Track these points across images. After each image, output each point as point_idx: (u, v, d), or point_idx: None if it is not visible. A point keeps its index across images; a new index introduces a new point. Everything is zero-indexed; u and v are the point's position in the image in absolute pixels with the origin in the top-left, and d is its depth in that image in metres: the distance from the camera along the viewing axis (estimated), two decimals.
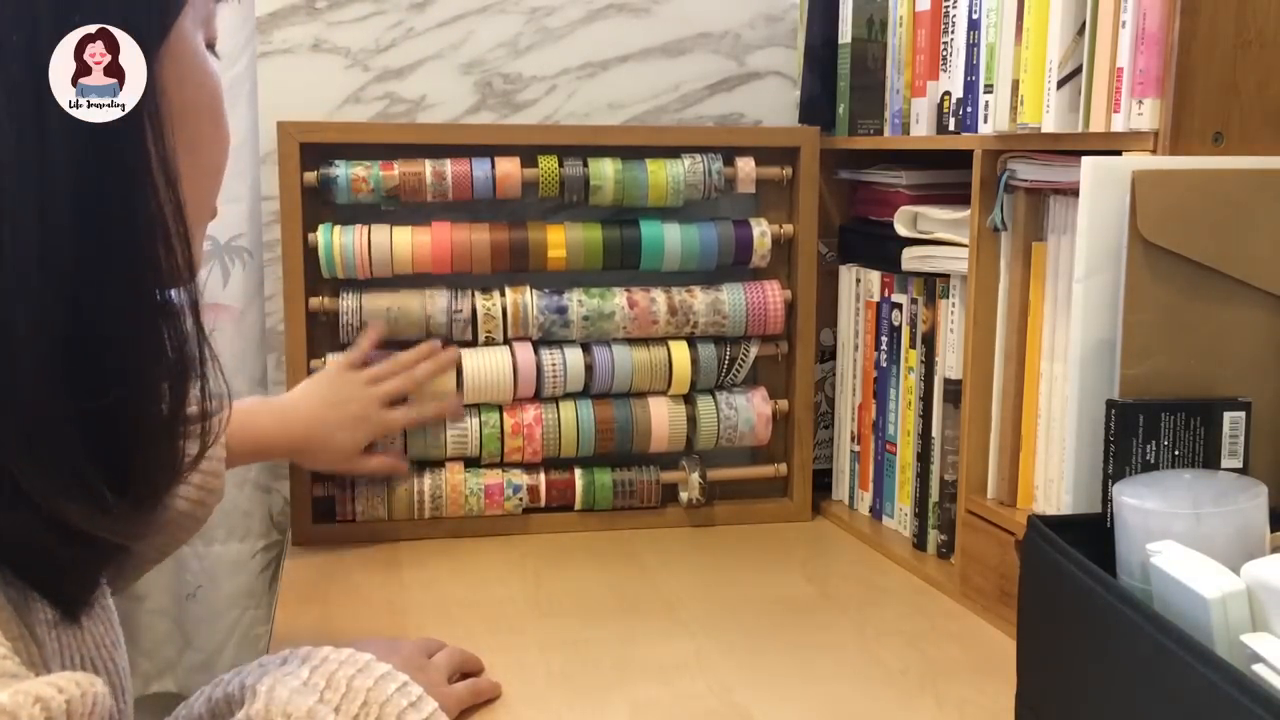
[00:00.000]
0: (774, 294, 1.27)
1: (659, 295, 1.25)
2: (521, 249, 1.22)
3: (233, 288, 1.21)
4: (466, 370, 1.21)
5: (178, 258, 0.53)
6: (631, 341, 1.26)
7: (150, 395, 0.53)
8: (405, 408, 1.17)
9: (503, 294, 1.23)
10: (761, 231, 1.27)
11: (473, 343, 1.23)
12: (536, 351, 1.24)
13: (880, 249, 1.23)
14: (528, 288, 1.23)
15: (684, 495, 1.26)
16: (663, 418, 1.26)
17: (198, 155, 0.57)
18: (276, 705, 0.57)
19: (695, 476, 1.26)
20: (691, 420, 1.27)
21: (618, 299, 1.24)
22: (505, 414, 1.23)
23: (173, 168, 0.53)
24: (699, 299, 1.26)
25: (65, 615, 0.53)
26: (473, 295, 1.23)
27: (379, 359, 1.18)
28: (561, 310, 1.23)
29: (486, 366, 1.21)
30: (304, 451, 1.13)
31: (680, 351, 1.26)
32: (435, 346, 1.20)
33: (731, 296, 1.26)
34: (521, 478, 1.24)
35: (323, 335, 1.22)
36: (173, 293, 0.54)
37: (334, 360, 1.18)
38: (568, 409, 1.24)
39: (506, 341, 1.23)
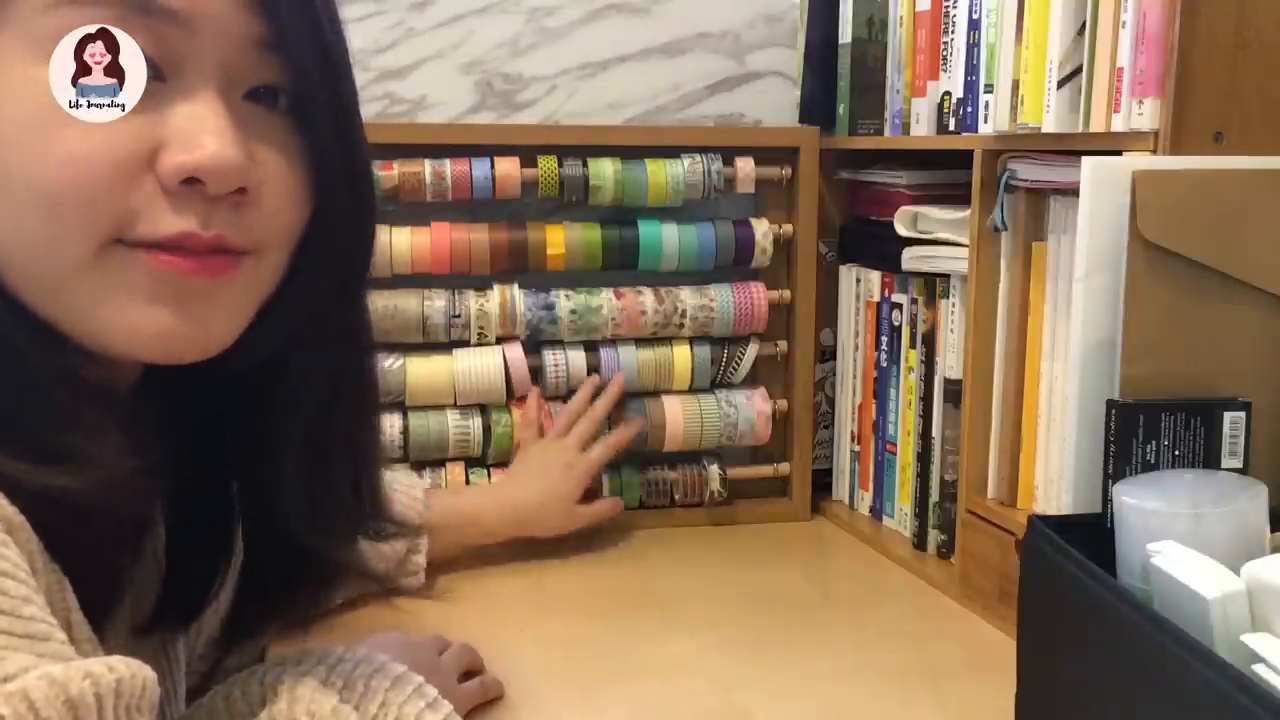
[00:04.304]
0: (759, 293, 1.27)
1: (647, 292, 1.25)
2: (521, 249, 1.22)
3: None
4: (457, 371, 1.21)
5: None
6: (637, 341, 1.26)
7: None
8: (598, 445, 1.20)
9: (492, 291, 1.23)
10: (764, 232, 1.27)
11: (468, 342, 1.23)
12: (539, 352, 1.24)
13: (880, 249, 1.23)
14: (515, 285, 1.23)
15: (708, 489, 1.27)
16: (677, 415, 1.26)
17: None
18: (300, 704, 0.57)
19: (715, 469, 1.27)
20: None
21: (606, 296, 1.24)
22: (516, 413, 1.23)
23: None
24: (687, 297, 1.26)
25: (90, 612, 0.52)
26: (469, 295, 1.22)
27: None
28: (549, 307, 1.23)
29: (477, 367, 1.21)
30: (527, 522, 1.15)
31: (680, 350, 1.26)
32: (596, 382, 1.23)
33: (719, 295, 1.27)
34: None
35: None
36: None
37: (520, 437, 1.22)
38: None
39: (498, 341, 1.23)
